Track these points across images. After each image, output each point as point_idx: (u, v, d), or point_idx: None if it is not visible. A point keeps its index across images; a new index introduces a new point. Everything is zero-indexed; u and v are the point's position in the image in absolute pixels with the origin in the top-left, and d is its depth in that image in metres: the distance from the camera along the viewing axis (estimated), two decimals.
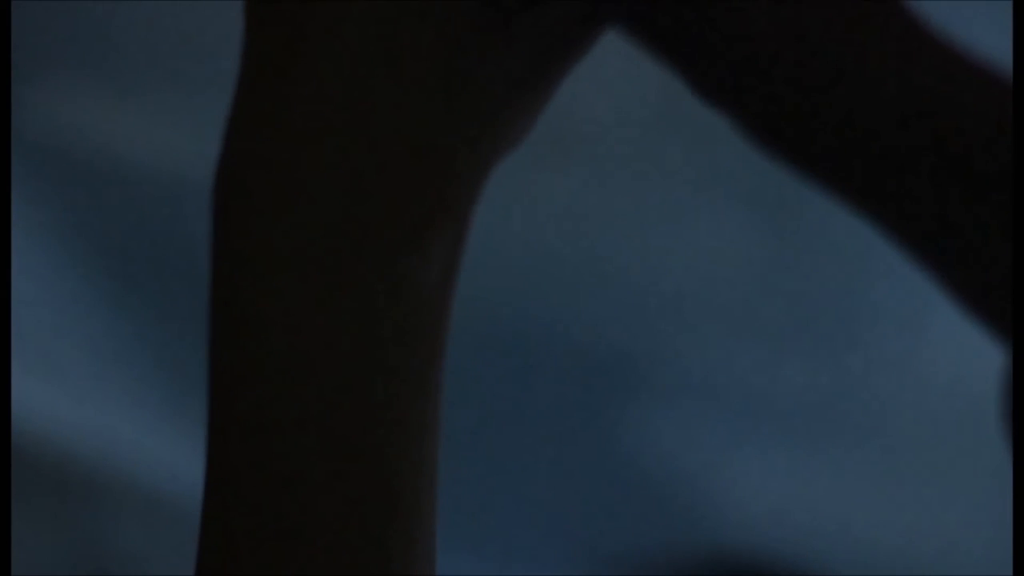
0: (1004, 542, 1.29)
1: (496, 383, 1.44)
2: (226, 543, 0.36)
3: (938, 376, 1.20)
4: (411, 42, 0.35)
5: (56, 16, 1.08)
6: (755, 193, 1.11)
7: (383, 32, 0.35)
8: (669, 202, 1.09)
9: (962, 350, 1.19)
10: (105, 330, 1.39)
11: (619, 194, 1.09)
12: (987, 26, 1.00)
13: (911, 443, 1.28)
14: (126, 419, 1.47)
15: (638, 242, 1.16)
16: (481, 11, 0.36)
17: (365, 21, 0.35)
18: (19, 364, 1.42)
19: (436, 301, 0.36)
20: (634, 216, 1.15)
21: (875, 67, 0.30)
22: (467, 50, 0.36)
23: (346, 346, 0.35)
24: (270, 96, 0.36)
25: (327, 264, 0.35)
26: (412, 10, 0.35)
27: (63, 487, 1.51)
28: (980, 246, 0.29)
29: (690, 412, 1.29)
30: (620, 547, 1.53)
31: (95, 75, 1.14)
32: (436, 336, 0.36)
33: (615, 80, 1.00)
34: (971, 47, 1.03)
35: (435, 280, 0.36)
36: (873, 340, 1.22)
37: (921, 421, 1.24)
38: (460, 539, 1.61)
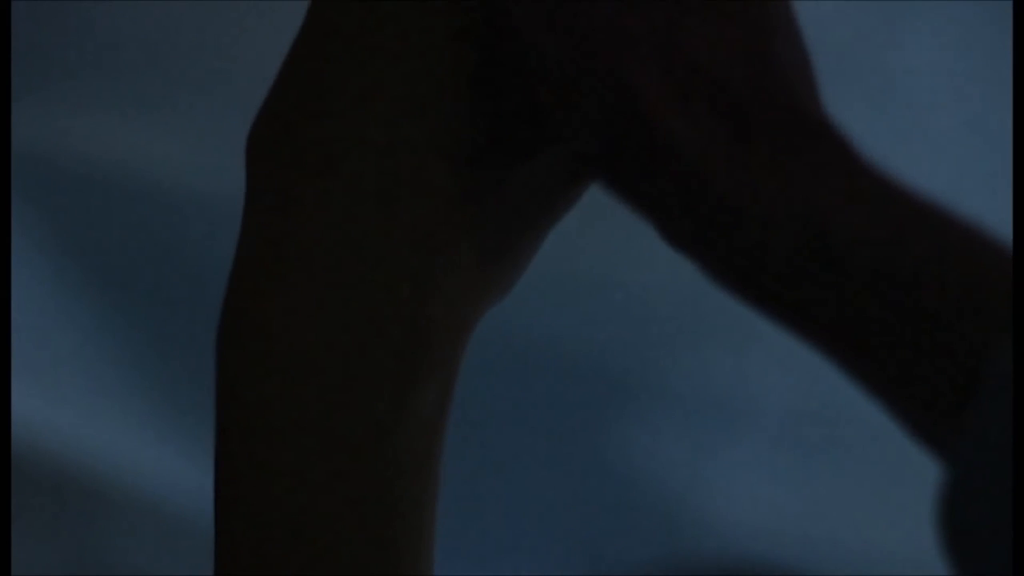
0: None
1: (481, 389, 1.44)
2: (233, 546, 0.37)
3: None
4: (396, 216, 0.37)
5: (54, 22, 1.08)
6: None
7: (369, 207, 0.37)
8: None
9: None
10: (104, 337, 1.39)
11: (606, 201, 1.09)
12: (987, 26, 1.01)
13: (899, 449, 1.28)
14: (124, 427, 1.48)
15: (625, 249, 1.16)
16: (465, 177, 0.38)
17: (352, 196, 0.37)
18: (17, 371, 1.42)
19: (428, 434, 0.38)
20: (619, 223, 1.15)
21: (836, 222, 0.33)
22: (451, 220, 0.38)
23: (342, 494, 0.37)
24: (265, 263, 0.38)
25: (318, 423, 0.37)
26: (396, 184, 0.37)
27: (61, 494, 1.51)
28: (940, 403, 0.31)
29: (677, 419, 1.29)
30: (607, 554, 1.53)
31: (93, 81, 1.14)
32: (432, 457, 0.38)
33: None
34: (971, 42, 1.03)
35: (426, 418, 0.38)
36: None
37: None
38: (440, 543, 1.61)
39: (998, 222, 1.11)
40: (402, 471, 0.38)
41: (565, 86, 0.36)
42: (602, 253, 1.17)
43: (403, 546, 0.37)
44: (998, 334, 0.30)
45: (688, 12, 0.36)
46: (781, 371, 1.24)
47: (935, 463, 1.29)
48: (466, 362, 1.43)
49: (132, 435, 1.47)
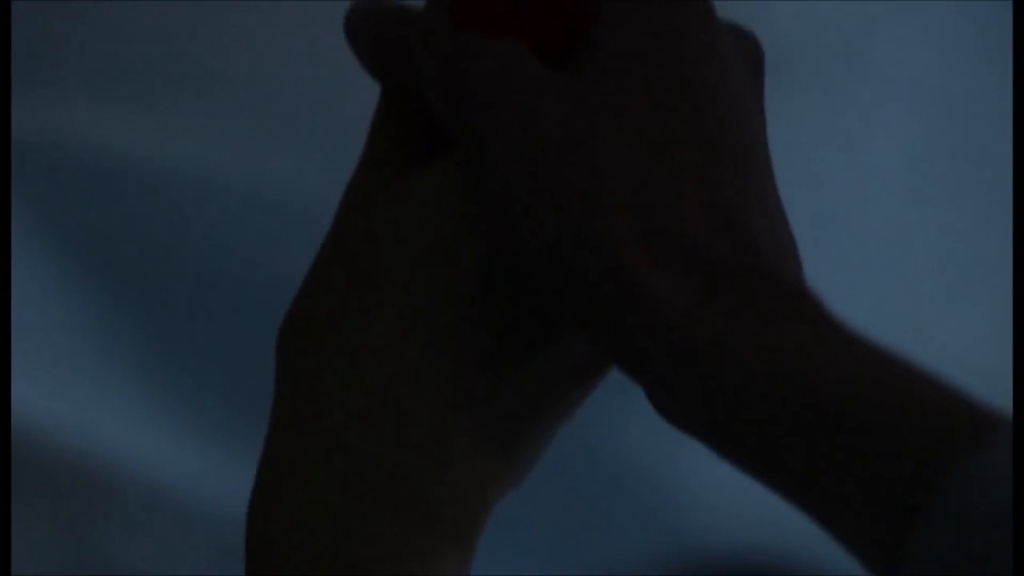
0: None
1: None
2: None
3: (932, 361, 1.21)
4: (416, 402, 0.41)
5: (56, 17, 1.08)
6: None
7: (382, 408, 0.41)
8: None
9: (950, 343, 1.20)
10: (105, 330, 1.39)
11: None
12: (987, 26, 1.01)
13: None
14: (125, 420, 1.47)
15: None
16: (473, 378, 0.42)
17: (367, 397, 0.41)
18: (16, 364, 1.42)
19: None
20: None
21: (813, 379, 0.36)
22: (460, 421, 0.42)
23: None
24: (287, 451, 0.42)
25: None
26: (408, 386, 0.41)
27: (61, 488, 1.50)
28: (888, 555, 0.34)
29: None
30: (601, 549, 1.54)
31: (94, 75, 1.14)
32: None
33: None
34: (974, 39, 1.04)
35: None
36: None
37: None
38: None
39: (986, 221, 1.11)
40: None
41: (555, 257, 0.39)
42: None
43: None
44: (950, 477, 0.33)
45: (670, 185, 0.39)
46: None
47: None
48: None
49: (133, 429, 1.47)
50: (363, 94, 1.10)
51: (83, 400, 1.44)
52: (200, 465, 1.47)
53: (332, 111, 1.11)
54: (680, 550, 1.47)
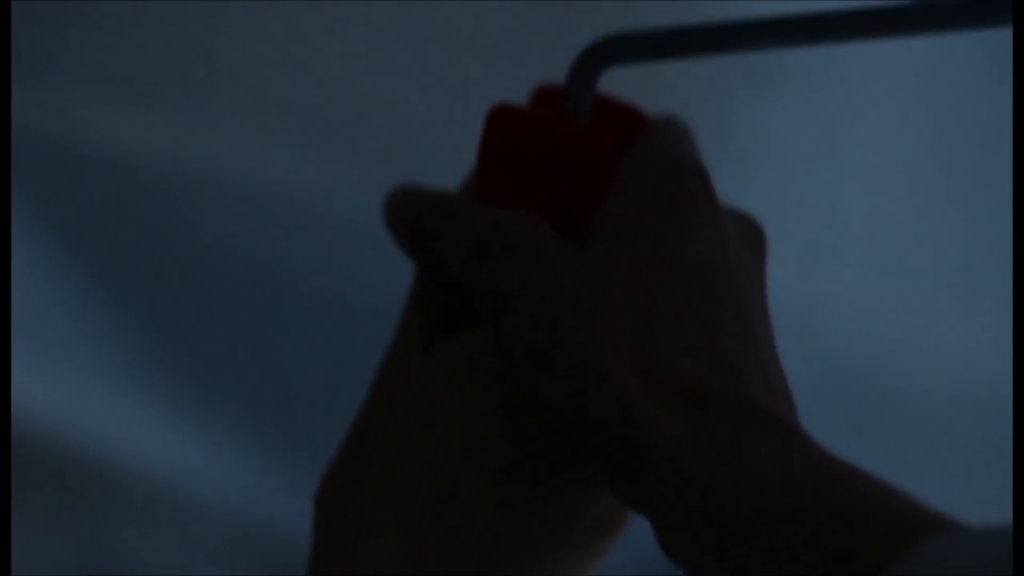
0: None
1: None
2: None
3: (933, 360, 1.20)
4: (440, 554, 0.45)
5: (58, 10, 1.08)
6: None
7: (415, 549, 0.46)
8: None
9: (953, 334, 1.19)
10: (106, 323, 1.39)
11: None
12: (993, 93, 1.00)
13: (902, 430, 1.28)
14: (126, 411, 1.48)
15: None
16: (504, 533, 0.46)
17: (400, 552, 0.45)
18: (17, 358, 1.42)
19: None
20: None
21: (783, 497, 0.40)
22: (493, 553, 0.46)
23: None
24: None
25: None
26: (444, 520, 0.46)
27: (62, 482, 1.51)
28: None
29: None
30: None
31: (96, 69, 1.14)
32: None
33: None
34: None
35: None
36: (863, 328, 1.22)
37: (913, 407, 1.25)
38: None
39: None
40: None
41: (570, 408, 0.44)
42: None
43: None
44: None
45: (672, 336, 0.44)
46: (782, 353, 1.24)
47: (944, 440, 1.29)
48: None
49: (135, 422, 1.47)
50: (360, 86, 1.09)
51: (85, 393, 1.44)
52: (201, 459, 1.48)
53: (326, 109, 1.11)
54: None
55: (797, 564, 0.39)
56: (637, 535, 1.54)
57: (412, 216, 0.50)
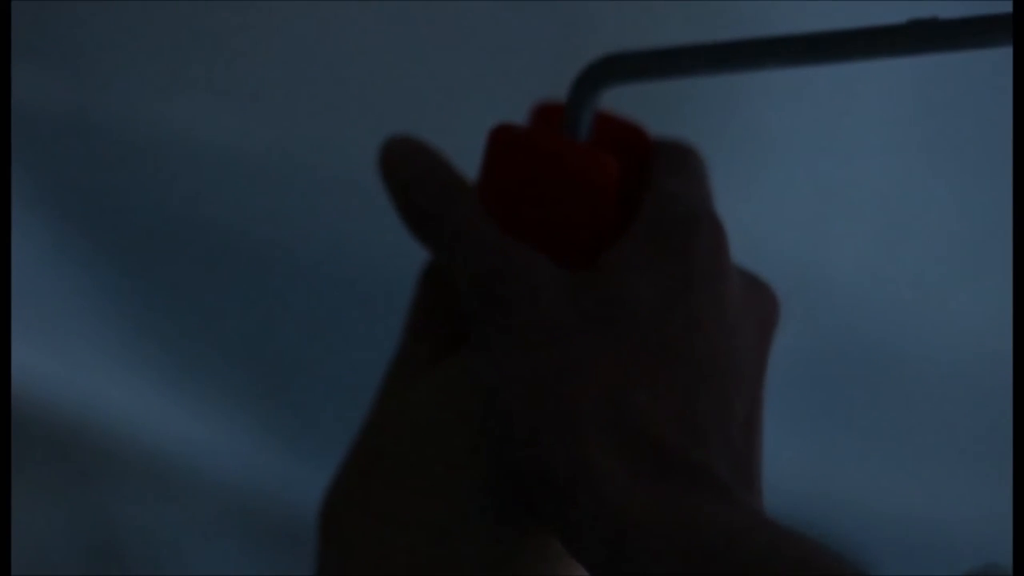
0: (1001, 512, 1.30)
1: None
2: None
3: (937, 323, 1.21)
4: None
5: None
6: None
7: (412, 564, 0.46)
8: None
9: (957, 316, 1.20)
10: (106, 295, 1.39)
11: None
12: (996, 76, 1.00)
13: (905, 411, 1.28)
14: (129, 386, 1.48)
15: None
16: (495, 542, 0.47)
17: (402, 560, 0.46)
18: (18, 333, 1.42)
19: None
20: None
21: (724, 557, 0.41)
22: None
23: None
24: None
25: None
26: (439, 536, 0.46)
27: (65, 456, 1.51)
28: None
29: None
30: None
31: (91, 40, 1.14)
32: None
33: None
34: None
35: None
36: (870, 308, 1.23)
37: (917, 370, 1.25)
38: None
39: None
40: None
41: (530, 447, 0.44)
42: None
43: None
44: None
45: (646, 391, 0.44)
46: (786, 331, 1.25)
47: (947, 423, 1.30)
48: None
49: (135, 395, 1.48)
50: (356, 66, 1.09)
51: (86, 368, 1.45)
52: (204, 432, 1.48)
53: (322, 78, 1.11)
54: None
55: None
56: None
57: (419, 198, 0.50)
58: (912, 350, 1.20)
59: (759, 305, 0.49)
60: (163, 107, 1.15)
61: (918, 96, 1.04)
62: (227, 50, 1.10)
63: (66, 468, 1.49)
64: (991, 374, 1.18)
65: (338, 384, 1.32)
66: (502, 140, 0.48)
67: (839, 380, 1.24)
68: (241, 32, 1.08)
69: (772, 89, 1.05)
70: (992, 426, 1.23)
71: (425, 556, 0.46)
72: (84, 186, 1.24)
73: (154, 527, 1.48)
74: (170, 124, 1.16)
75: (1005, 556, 1.29)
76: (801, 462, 1.31)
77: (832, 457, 1.30)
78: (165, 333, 1.39)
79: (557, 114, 0.51)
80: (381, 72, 1.08)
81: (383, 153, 0.51)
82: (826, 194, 1.11)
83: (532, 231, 0.48)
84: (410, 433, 0.47)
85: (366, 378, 1.10)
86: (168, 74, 1.12)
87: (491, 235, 0.47)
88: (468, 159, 0.55)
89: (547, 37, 1.00)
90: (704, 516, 0.41)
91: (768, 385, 1.25)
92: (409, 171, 0.50)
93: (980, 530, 1.31)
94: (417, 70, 1.07)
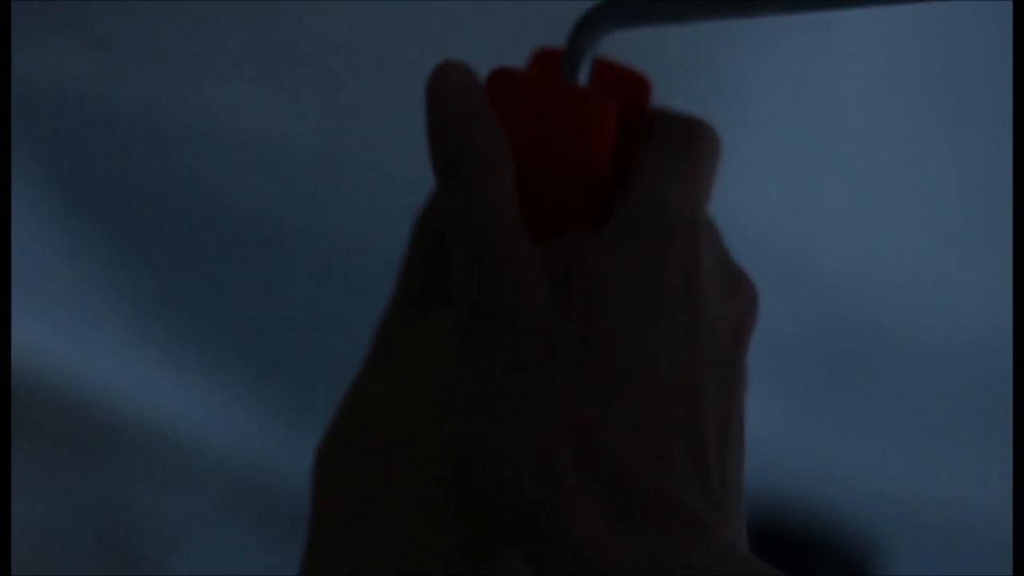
0: (1001, 487, 1.30)
1: None
2: None
3: (930, 301, 1.20)
4: (429, 536, 0.45)
5: None
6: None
7: (406, 525, 0.45)
8: None
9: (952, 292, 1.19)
10: (108, 274, 1.39)
11: None
12: (987, 26, 1.00)
13: (904, 384, 1.28)
14: (131, 365, 1.48)
15: None
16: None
17: (391, 512, 0.46)
18: (20, 313, 1.42)
19: None
20: None
21: None
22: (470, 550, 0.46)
23: None
24: (321, 550, 0.46)
25: None
26: (428, 508, 0.46)
27: (68, 436, 1.51)
28: None
29: None
30: None
31: (97, 23, 1.14)
32: None
33: None
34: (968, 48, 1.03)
35: None
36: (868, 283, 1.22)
37: (917, 361, 1.25)
38: None
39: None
40: None
41: (504, 481, 0.43)
42: None
43: None
44: None
45: (621, 415, 0.44)
46: (786, 307, 1.24)
47: (946, 398, 1.29)
48: None
49: (137, 373, 1.48)
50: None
51: (89, 347, 1.44)
52: (207, 411, 1.48)
53: (329, 59, 1.11)
54: None
55: None
56: None
57: (455, 144, 0.47)
58: (908, 327, 1.20)
59: (737, 308, 0.47)
60: (167, 84, 1.15)
61: (901, 57, 1.04)
62: (250, 37, 1.10)
63: (72, 450, 1.49)
64: (989, 351, 1.18)
65: (346, 366, 1.33)
66: (499, 81, 0.48)
67: (838, 358, 1.24)
68: (266, 20, 1.08)
69: (751, 60, 1.05)
70: (992, 404, 1.23)
71: (404, 524, 0.46)
72: (95, 169, 1.25)
73: (160, 508, 1.48)
74: (172, 100, 1.16)
75: (1004, 532, 1.29)
76: (803, 441, 1.31)
77: (832, 436, 1.31)
78: (173, 315, 1.39)
79: (556, 59, 0.51)
80: (403, 61, 1.08)
81: (438, 74, 0.48)
82: (811, 168, 1.11)
83: (526, 178, 0.48)
84: (391, 388, 0.47)
85: None
86: (189, 60, 1.13)
87: (503, 228, 0.46)
88: None
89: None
90: (677, 562, 0.41)
91: (769, 365, 1.25)
92: (457, 107, 0.47)
93: (980, 506, 1.31)
94: (442, 57, 1.07)
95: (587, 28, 0.48)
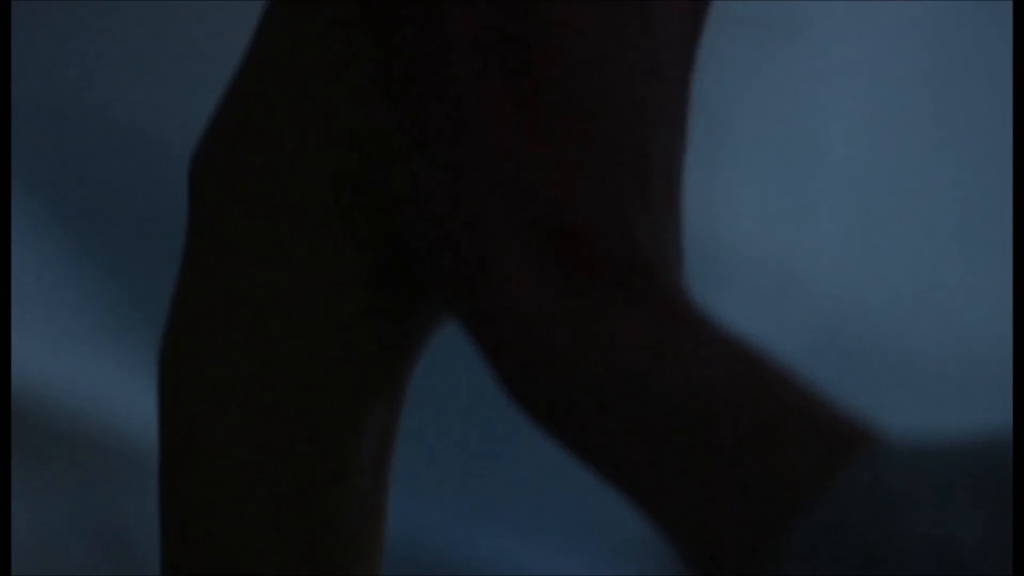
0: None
1: (478, 378, 1.44)
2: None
3: (923, 312, 1.20)
4: (316, 247, 0.40)
5: None
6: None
7: (292, 237, 0.39)
8: None
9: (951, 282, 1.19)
10: (108, 292, 1.39)
11: None
12: (987, 26, 1.00)
13: (902, 397, 1.28)
14: (132, 382, 1.48)
15: None
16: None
17: (278, 223, 0.40)
18: (26, 328, 1.42)
19: (379, 448, 0.40)
20: None
21: (654, 375, 0.35)
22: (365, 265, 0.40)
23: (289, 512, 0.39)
24: (204, 293, 0.40)
25: (263, 444, 0.39)
26: (316, 216, 0.40)
27: (70, 454, 1.51)
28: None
29: None
30: (607, 540, 1.53)
31: (91, 35, 1.14)
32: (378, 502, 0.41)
33: None
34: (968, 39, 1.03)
35: (377, 432, 0.40)
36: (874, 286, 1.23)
37: (904, 361, 1.25)
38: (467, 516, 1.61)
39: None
40: (356, 486, 0.39)
41: (434, 236, 0.38)
42: None
43: (358, 549, 0.39)
44: (802, 499, 0.33)
45: (566, 176, 0.38)
46: (790, 311, 1.24)
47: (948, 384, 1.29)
48: (459, 356, 1.42)
49: (136, 393, 1.47)
50: None
51: (91, 362, 1.44)
52: None
53: None
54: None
55: (662, 455, 0.35)
56: (633, 538, 1.54)
57: None
58: (905, 341, 1.20)
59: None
60: (162, 99, 1.15)
61: (910, 62, 1.04)
62: (238, 48, 1.10)
63: (73, 462, 1.48)
64: (987, 365, 1.18)
65: None
66: None
67: (835, 374, 1.24)
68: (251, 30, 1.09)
69: (736, 70, 1.05)
70: (990, 419, 1.22)
71: (290, 236, 0.39)
72: (92, 183, 1.25)
73: (155, 526, 1.47)
74: (165, 116, 1.16)
75: None
76: None
77: None
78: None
79: None
80: None
81: None
82: (801, 180, 1.11)
83: None
84: (285, 89, 0.40)
85: None
86: (177, 70, 1.13)
87: None
88: None
89: None
90: (625, 333, 0.36)
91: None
92: None
93: None
94: None
95: None
